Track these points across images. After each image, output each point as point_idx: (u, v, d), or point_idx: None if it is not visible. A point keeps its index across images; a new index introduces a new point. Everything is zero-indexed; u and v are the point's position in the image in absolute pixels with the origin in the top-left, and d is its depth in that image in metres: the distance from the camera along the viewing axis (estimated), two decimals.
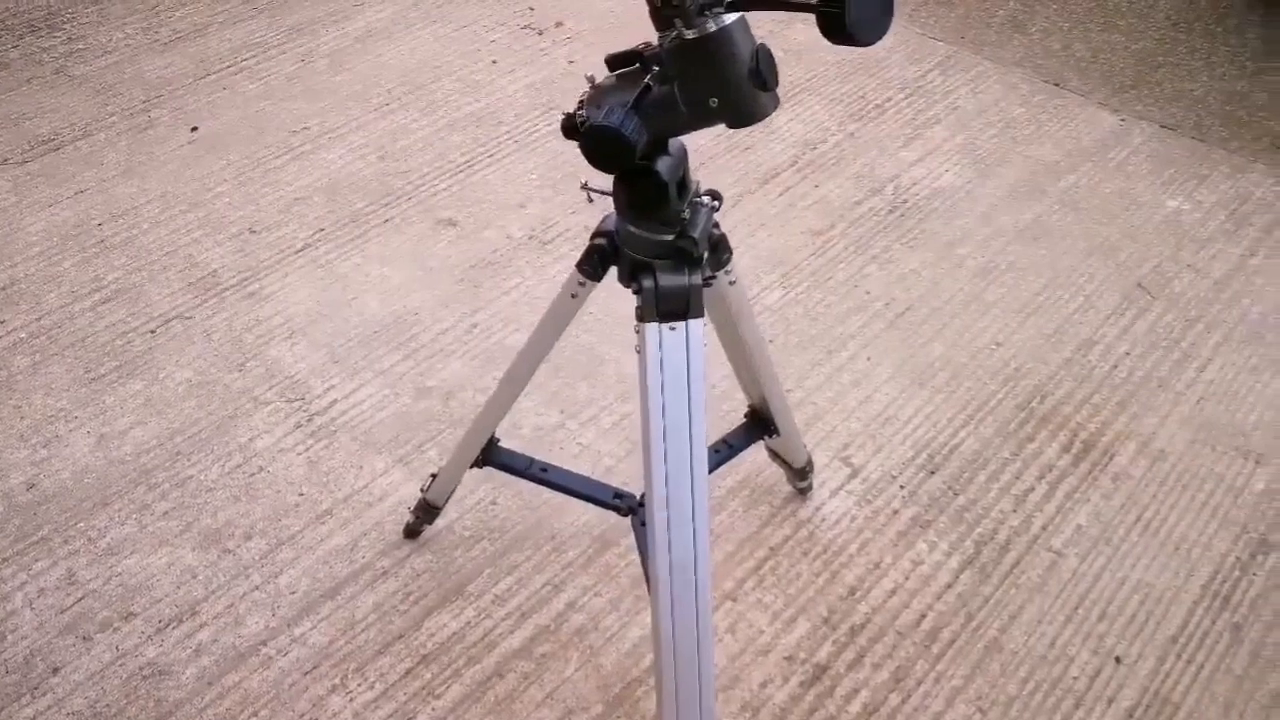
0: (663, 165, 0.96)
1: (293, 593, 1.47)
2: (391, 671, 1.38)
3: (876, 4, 0.84)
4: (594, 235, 1.07)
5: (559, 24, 2.70)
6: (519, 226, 2.08)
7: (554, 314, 1.15)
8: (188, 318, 1.86)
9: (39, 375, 1.76)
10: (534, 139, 2.31)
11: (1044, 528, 1.58)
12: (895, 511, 1.60)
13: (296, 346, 1.82)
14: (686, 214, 0.99)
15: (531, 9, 2.75)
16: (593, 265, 1.07)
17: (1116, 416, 1.74)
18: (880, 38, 0.85)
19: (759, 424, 1.39)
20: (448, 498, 1.45)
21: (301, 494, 1.59)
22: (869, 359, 1.84)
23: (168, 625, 1.43)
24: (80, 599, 1.45)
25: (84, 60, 2.50)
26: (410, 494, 1.57)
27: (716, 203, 1.03)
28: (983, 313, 1.93)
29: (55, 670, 1.37)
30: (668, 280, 1.00)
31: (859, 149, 2.30)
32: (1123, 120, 2.39)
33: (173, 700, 1.34)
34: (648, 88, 0.90)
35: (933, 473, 1.66)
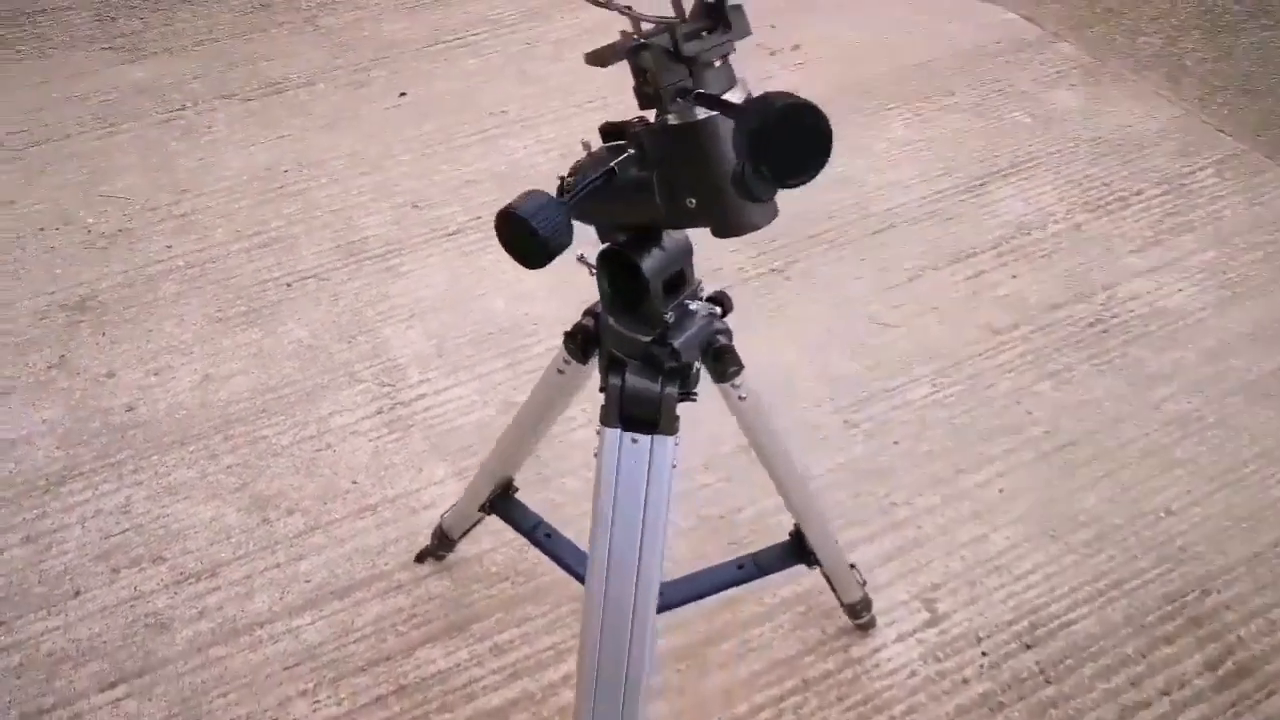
0: (650, 259, 0.82)
1: (307, 581, 1.45)
2: (364, 694, 1.33)
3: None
4: (585, 312, 0.95)
5: (796, 46, 2.54)
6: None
7: (542, 388, 1.03)
8: (324, 279, 1.90)
9: (178, 305, 1.85)
10: None
11: None
12: (965, 680, 1.36)
13: (410, 331, 1.81)
14: (671, 317, 0.84)
15: (773, 27, 2.60)
16: (576, 345, 0.94)
17: None
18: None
19: (799, 548, 1.21)
20: (462, 534, 1.37)
21: (355, 482, 1.57)
22: (1002, 490, 1.58)
23: (187, 579, 1.45)
24: (125, 530, 1.51)
25: (334, 13, 2.62)
26: None
27: (717, 309, 0.87)
28: (1164, 470, 1.61)
29: (77, 593, 1.43)
30: (637, 383, 0.86)
31: (1080, 244, 1.99)
32: None
33: (160, 657, 1.36)
34: (612, 173, 0.76)
35: (1029, 647, 1.40)
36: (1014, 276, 1.93)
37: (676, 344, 0.85)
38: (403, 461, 1.60)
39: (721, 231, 0.77)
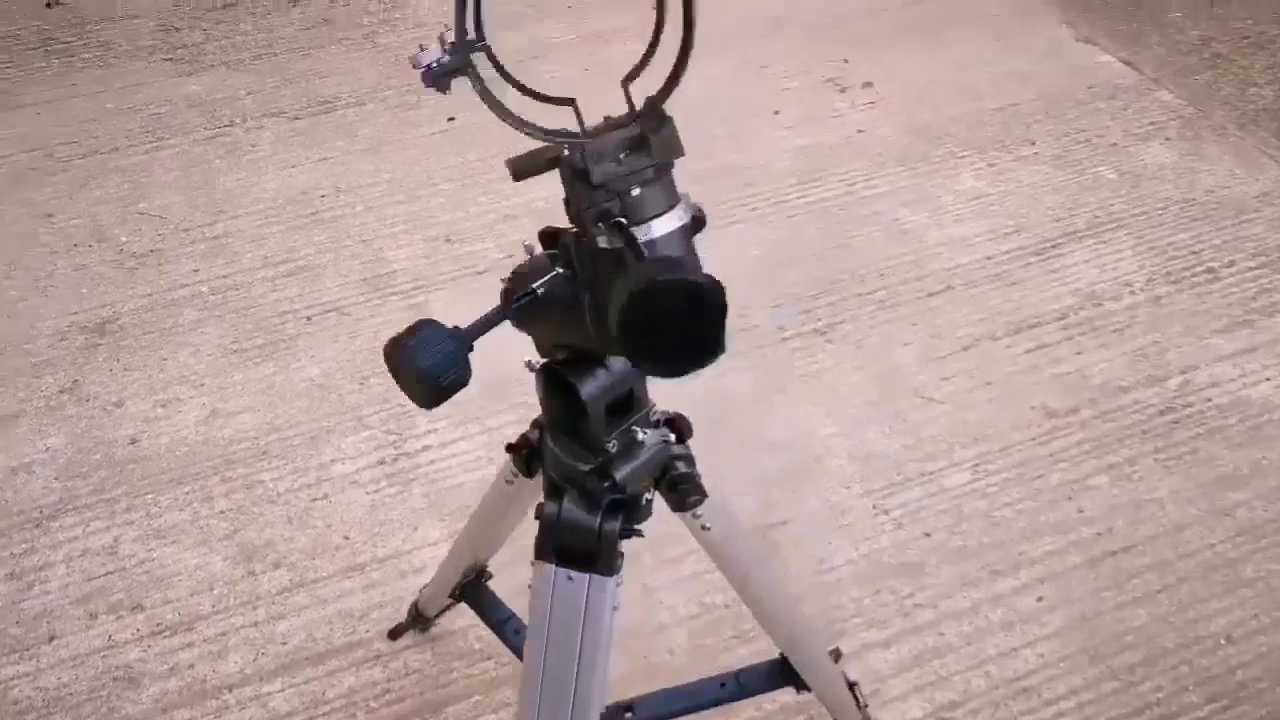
0: (591, 382, 0.72)
1: (283, 643, 1.39)
2: None
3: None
4: (532, 423, 0.85)
5: (867, 84, 2.40)
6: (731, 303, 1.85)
7: (492, 495, 0.94)
8: (345, 313, 1.84)
9: (196, 333, 1.81)
10: (778, 210, 2.06)
11: None
12: None
13: None
14: (614, 445, 0.74)
15: (846, 61, 2.47)
16: (520, 458, 0.85)
17: None
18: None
19: (788, 669, 1.09)
20: (438, 614, 1.29)
21: (346, 538, 1.51)
22: (1041, 599, 1.43)
23: (162, 632, 1.40)
24: (109, 573, 1.46)
25: (394, 30, 2.57)
26: None
27: (671, 435, 0.77)
28: (1228, 589, 1.44)
29: (52, 638, 1.39)
30: (575, 515, 0.76)
31: (1158, 321, 1.82)
32: None
33: (123, 714, 1.31)
34: (533, 296, 0.67)
35: None
36: (1079, 352, 1.77)
37: (619, 476, 0.74)
38: (399, 518, 1.53)
39: (643, 370, 0.67)
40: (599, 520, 0.75)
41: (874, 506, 1.55)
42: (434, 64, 0.57)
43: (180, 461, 1.61)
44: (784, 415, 1.69)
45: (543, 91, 0.66)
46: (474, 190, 2.10)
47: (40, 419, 1.67)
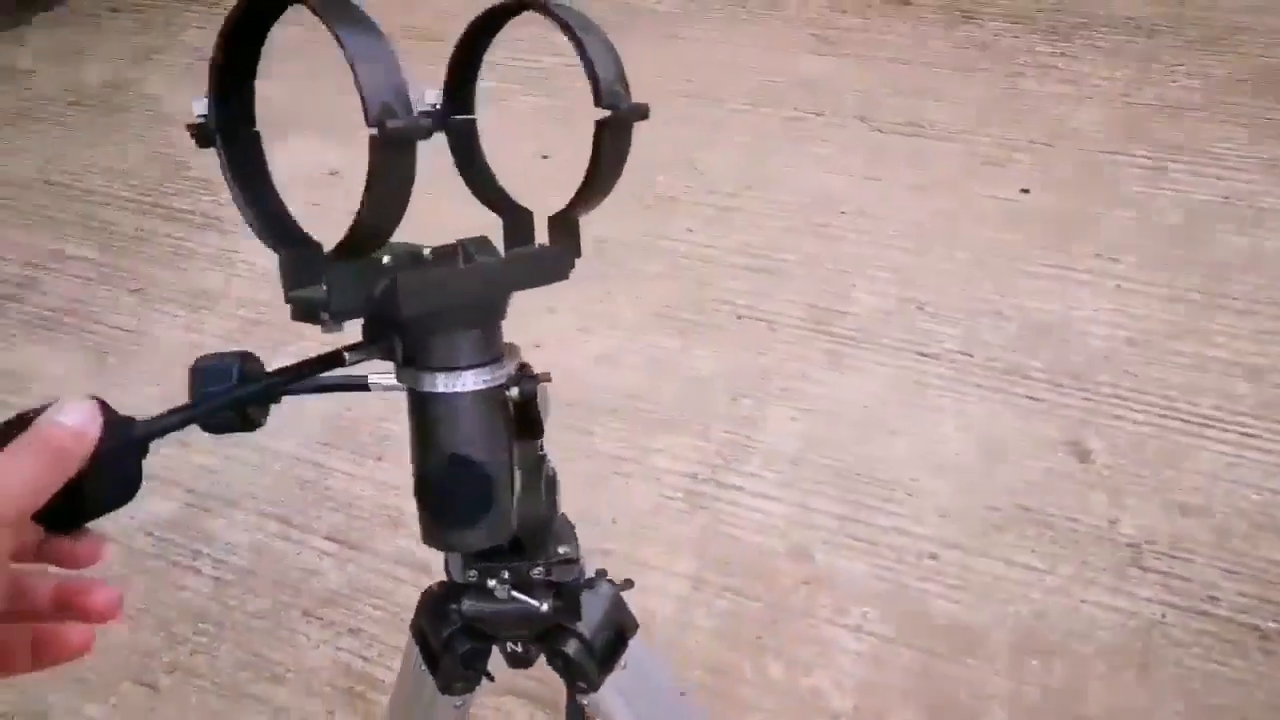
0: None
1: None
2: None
3: None
4: None
5: None
6: (1050, 458, 1.44)
7: None
8: (774, 328, 1.78)
9: (646, 282, 1.89)
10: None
11: None
12: None
13: (794, 423, 1.62)
14: (473, 576, 0.63)
15: None
16: None
17: None
18: None
19: None
20: None
21: (614, 521, 1.50)
22: None
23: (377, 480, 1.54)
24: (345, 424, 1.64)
25: (1044, 79, 2.34)
26: None
27: (544, 605, 0.63)
28: None
29: (326, 446, 1.61)
30: (438, 612, 0.67)
31: None
32: None
33: (306, 517, 1.49)
34: None
35: None
36: None
37: (464, 607, 0.63)
38: (667, 535, 1.48)
39: (423, 534, 0.56)
40: (446, 634, 0.65)
41: None
42: (202, 117, 0.47)
43: (557, 383, 1.72)
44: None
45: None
46: (988, 270, 1.86)
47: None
